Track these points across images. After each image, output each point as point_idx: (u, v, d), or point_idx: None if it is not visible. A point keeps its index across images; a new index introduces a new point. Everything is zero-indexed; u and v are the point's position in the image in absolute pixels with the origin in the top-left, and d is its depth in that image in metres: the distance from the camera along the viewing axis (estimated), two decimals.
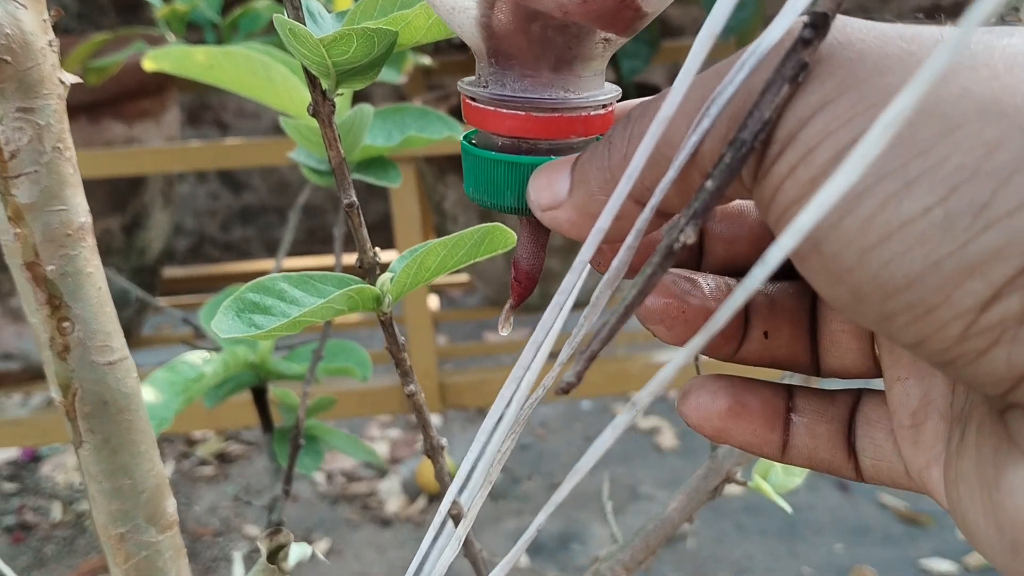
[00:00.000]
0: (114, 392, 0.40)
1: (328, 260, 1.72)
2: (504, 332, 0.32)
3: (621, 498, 1.45)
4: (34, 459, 1.59)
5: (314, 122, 0.59)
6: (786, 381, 0.28)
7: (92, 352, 0.39)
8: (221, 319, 0.39)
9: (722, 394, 0.26)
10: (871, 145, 0.15)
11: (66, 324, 0.39)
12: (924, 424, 0.23)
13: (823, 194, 0.16)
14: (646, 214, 0.21)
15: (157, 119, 1.16)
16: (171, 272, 1.60)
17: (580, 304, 0.24)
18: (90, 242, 0.39)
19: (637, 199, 0.22)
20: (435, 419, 1.55)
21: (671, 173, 0.20)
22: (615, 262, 0.24)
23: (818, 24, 0.18)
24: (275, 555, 0.41)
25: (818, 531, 1.37)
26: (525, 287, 0.30)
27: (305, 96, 0.57)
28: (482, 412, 1.66)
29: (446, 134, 0.61)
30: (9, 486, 1.53)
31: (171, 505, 0.43)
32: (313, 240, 2.11)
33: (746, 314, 0.27)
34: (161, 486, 0.43)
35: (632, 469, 1.52)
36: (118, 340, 0.41)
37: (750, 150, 0.19)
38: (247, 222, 2.14)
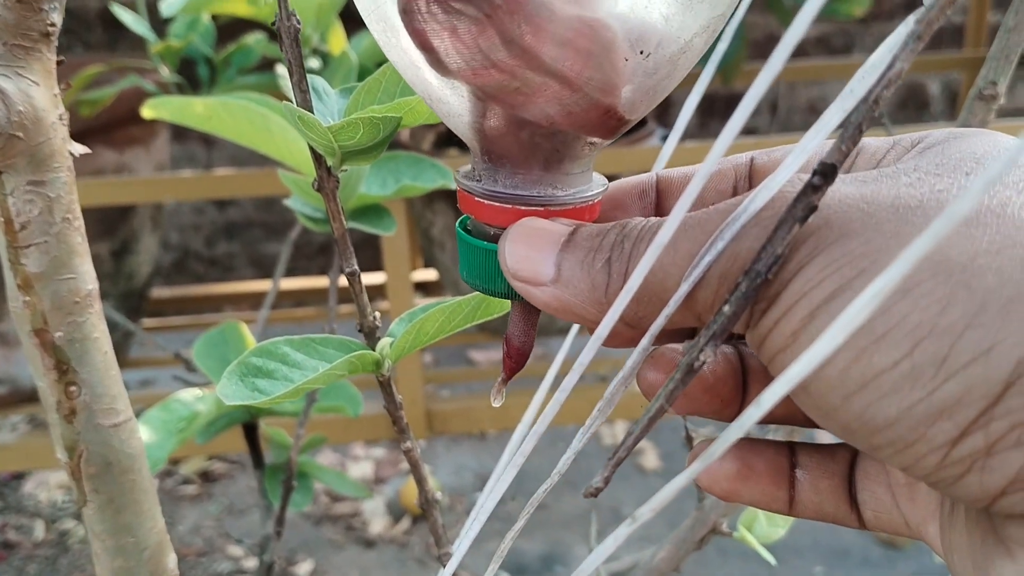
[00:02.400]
0: (118, 453, 0.41)
1: (316, 281, 1.73)
2: (496, 404, 0.33)
3: (604, 520, 1.46)
4: (16, 477, 1.58)
5: (310, 171, 0.60)
6: (787, 438, 0.29)
7: (98, 415, 0.40)
8: (226, 385, 0.40)
9: (729, 457, 0.27)
10: (845, 325, 0.17)
11: (73, 388, 0.40)
12: (919, 483, 0.25)
13: (807, 355, 0.18)
14: (646, 341, 0.23)
15: (147, 145, 1.16)
16: (158, 292, 1.61)
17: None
18: (97, 308, 0.40)
19: (626, 321, 0.23)
20: (419, 441, 1.56)
21: (669, 308, 0.22)
22: (627, 365, 0.25)
23: (827, 173, 0.20)
24: None
25: (798, 554, 1.39)
26: (516, 362, 0.31)
27: (302, 147, 0.58)
28: (468, 435, 1.68)
29: (439, 182, 0.62)
30: None
31: (172, 561, 0.44)
32: (299, 256, 2.12)
33: (744, 379, 0.28)
34: (162, 543, 0.44)
35: (615, 490, 1.53)
36: (123, 403, 0.42)
37: (764, 280, 0.20)
38: (232, 237, 2.15)
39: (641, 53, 0.23)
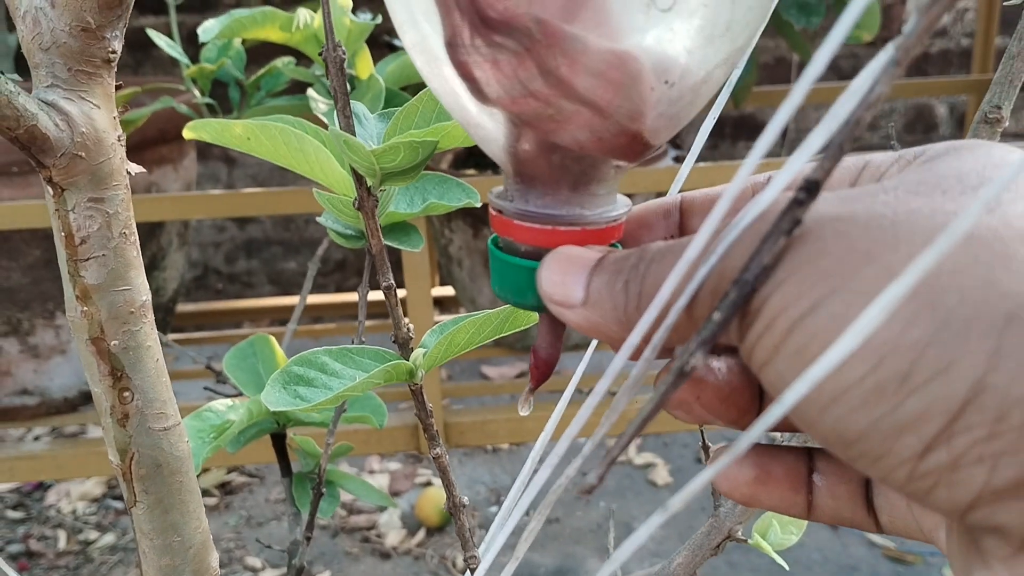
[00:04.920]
0: (168, 456, 0.43)
1: (333, 297, 1.76)
2: (524, 412, 0.35)
3: (616, 534, 1.47)
4: (39, 487, 1.61)
5: (343, 190, 0.62)
6: (807, 444, 0.30)
7: (149, 419, 0.43)
8: (270, 392, 0.42)
9: (748, 463, 0.28)
10: (831, 359, 0.19)
11: (126, 394, 0.42)
12: None
13: (826, 358, 0.19)
14: (649, 352, 0.25)
15: (176, 165, 1.19)
16: (181, 307, 1.63)
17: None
18: (149, 318, 0.43)
19: (648, 340, 0.25)
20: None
21: (671, 318, 0.24)
22: (632, 375, 0.27)
23: (811, 189, 0.21)
24: None
25: (808, 569, 1.40)
26: (543, 372, 0.32)
27: (334, 167, 0.61)
28: (480, 447, 1.69)
29: (464, 201, 0.64)
30: (14, 514, 1.55)
31: (214, 559, 0.46)
32: (317, 273, 2.15)
33: (761, 390, 0.29)
34: (206, 542, 0.46)
35: (626, 505, 1.55)
36: (172, 407, 0.44)
37: (752, 290, 0.22)
38: (251, 255, 2.18)
39: (666, 83, 0.25)
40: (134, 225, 0.42)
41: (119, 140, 0.41)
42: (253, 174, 2.08)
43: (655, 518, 0.25)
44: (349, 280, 2.21)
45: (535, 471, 0.36)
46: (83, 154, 0.39)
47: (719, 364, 0.28)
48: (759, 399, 0.29)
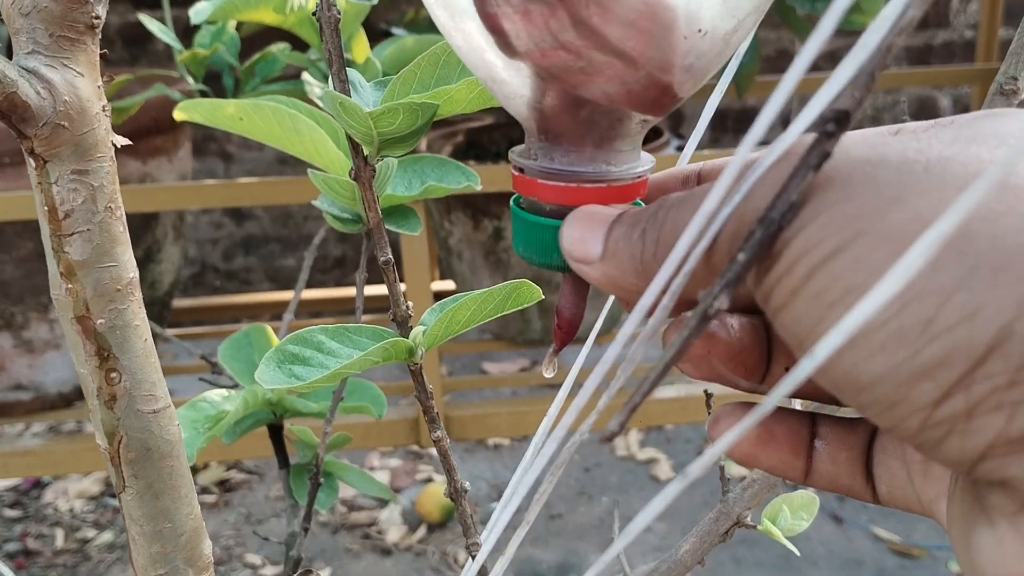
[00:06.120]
0: (157, 439, 0.42)
1: (332, 292, 1.74)
2: (548, 374, 0.34)
3: (620, 529, 1.46)
4: (36, 485, 1.60)
5: (338, 172, 0.61)
6: (810, 409, 0.29)
7: (137, 401, 0.41)
8: (264, 370, 0.40)
9: None
10: (861, 312, 0.18)
11: (114, 375, 0.41)
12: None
13: (849, 318, 0.18)
14: (666, 300, 0.24)
15: (170, 156, 1.18)
16: (176, 303, 1.62)
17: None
18: (137, 296, 0.41)
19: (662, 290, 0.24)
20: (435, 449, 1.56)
21: (690, 263, 0.23)
22: (649, 323, 0.26)
23: (840, 120, 0.20)
24: None
25: (813, 563, 1.38)
26: (567, 333, 0.32)
27: (329, 148, 0.59)
28: (482, 443, 1.68)
29: (464, 184, 0.63)
30: (11, 512, 1.54)
31: (207, 547, 0.45)
32: (315, 269, 2.13)
33: (769, 349, 0.28)
34: (199, 529, 0.44)
35: (629, 500, 1.53)
36: (161, 389, 0.42)
37: (778, 229, 0.21)
38: (249, 251, 2.16)
39: (699, 32, 0.24)
40: (120, 199, 0.40)
41: (104, 110, 0.40)
42: (250, 170, 2.07)
43: (673, 486, 0.23)
44: (348, 276, 2.20)
45: (535, 457, 0.34)
46: (66, 124, 0.38)
47: (732, 321, 0.28)
48: (767, 361, 0.29)
